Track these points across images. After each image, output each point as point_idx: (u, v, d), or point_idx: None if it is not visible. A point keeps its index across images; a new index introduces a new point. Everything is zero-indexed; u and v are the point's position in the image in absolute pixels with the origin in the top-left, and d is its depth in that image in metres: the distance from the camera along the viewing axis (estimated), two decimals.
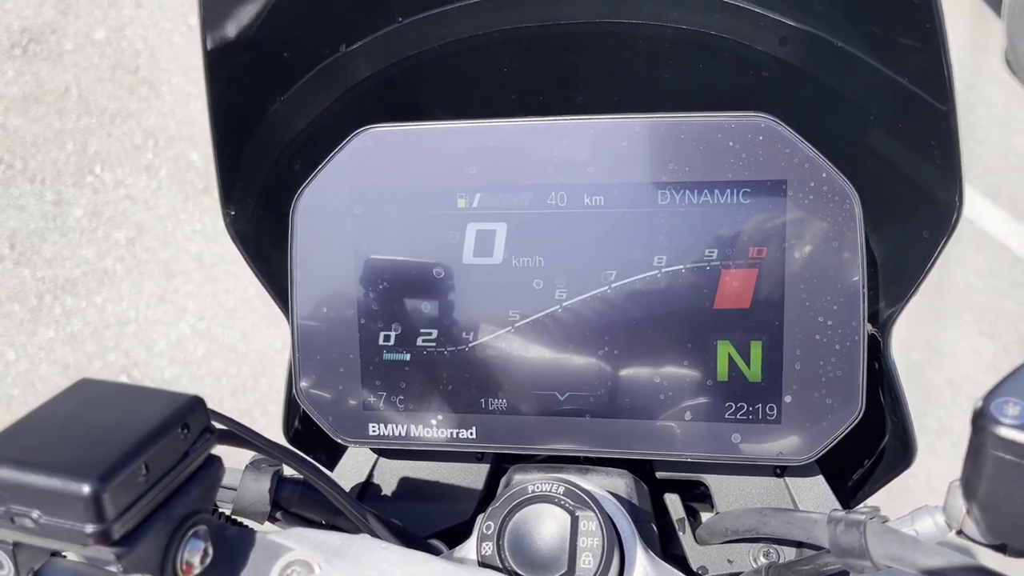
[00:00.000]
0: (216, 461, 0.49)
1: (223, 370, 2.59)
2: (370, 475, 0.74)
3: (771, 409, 0.63)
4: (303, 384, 0.69)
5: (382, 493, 0.74)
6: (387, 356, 0.68)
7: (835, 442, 0.63)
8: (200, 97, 2.93)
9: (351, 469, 0.74)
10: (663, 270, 0.63)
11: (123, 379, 2.53)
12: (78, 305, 2.58)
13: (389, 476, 0.74)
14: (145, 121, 2.90)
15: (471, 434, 0.67)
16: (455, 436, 0.68)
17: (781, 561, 0.65)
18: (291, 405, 0.78)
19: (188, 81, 2.96)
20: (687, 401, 0.64)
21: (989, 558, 0.55)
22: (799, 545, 0.66)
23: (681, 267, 0.63)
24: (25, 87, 2.86)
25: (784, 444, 0.63)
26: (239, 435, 0.53)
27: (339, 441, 0.69)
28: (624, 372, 0.64)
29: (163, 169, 2.80)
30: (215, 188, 2.82)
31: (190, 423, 0.45)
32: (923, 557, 0.54)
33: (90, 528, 0.40)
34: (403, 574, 0.45)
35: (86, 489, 0.39)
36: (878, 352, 0.69)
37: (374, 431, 0.69)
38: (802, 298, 0.61)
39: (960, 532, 0.54)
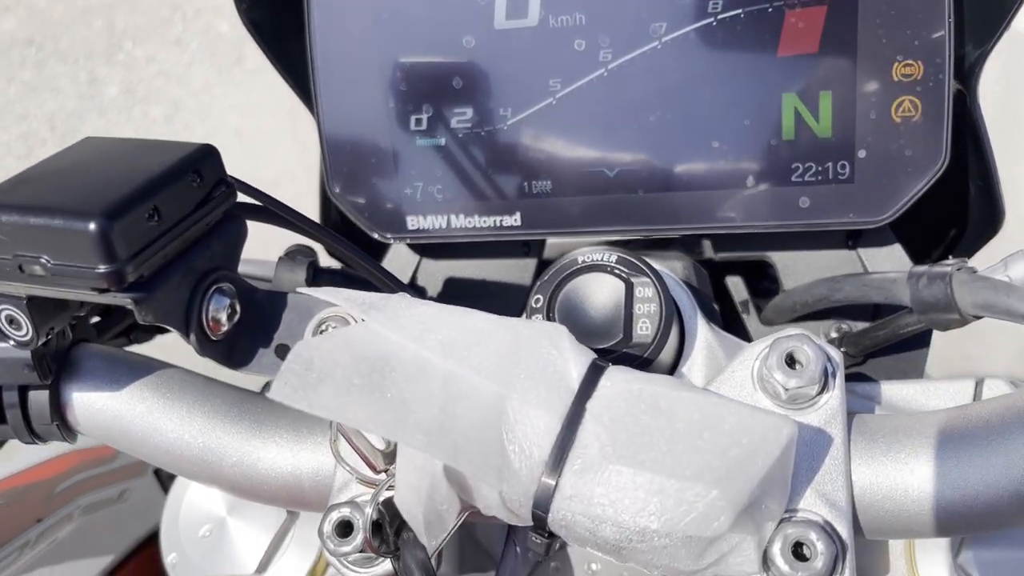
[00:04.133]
0: (238, 220, 0.45)
1: (271, 239, 2.58)
2: (413, 277, 0.70)
3: (843, 167, 0.57)
4: (335, 181, 0.65)
5: (427, 296, 0.70)
6: (420, 142, 0.63)
7: (915, 199, 0.57)
8: None
9: (393, 271, 0.70)
10: (719, 16, 0.56)
11: None
12: None
13: (434, 277, 0.70)
14: None
15: (515, 220, 0.63)
16: (499, 224, 0.63)
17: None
18: (325, 209, 0.75)
19: None
20: (749, 165, 0.58)
21: None
22: (874, 317, 0.61)
23: (739, 11, 0.56)
24: None
25: (858, 205, 0.58)
26: (267, 208, 0.50)
27: (377, 238, 0.66)
28: (679, 139, 0.59)
29: (193, 42, 2.74)
30: (248, 58, 2.74)
31: (202, 171, 0.42)
32: (1019, 302, 0.49)
33: (101, 268, 0.36)
34: (444, 324, 0.42)
35: (92, 226, 0.36)
36: (962, 106, 0.62)
37: (413, 225, 0.65)
38: (878, 35, 0.54)
39: None
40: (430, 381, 0.40)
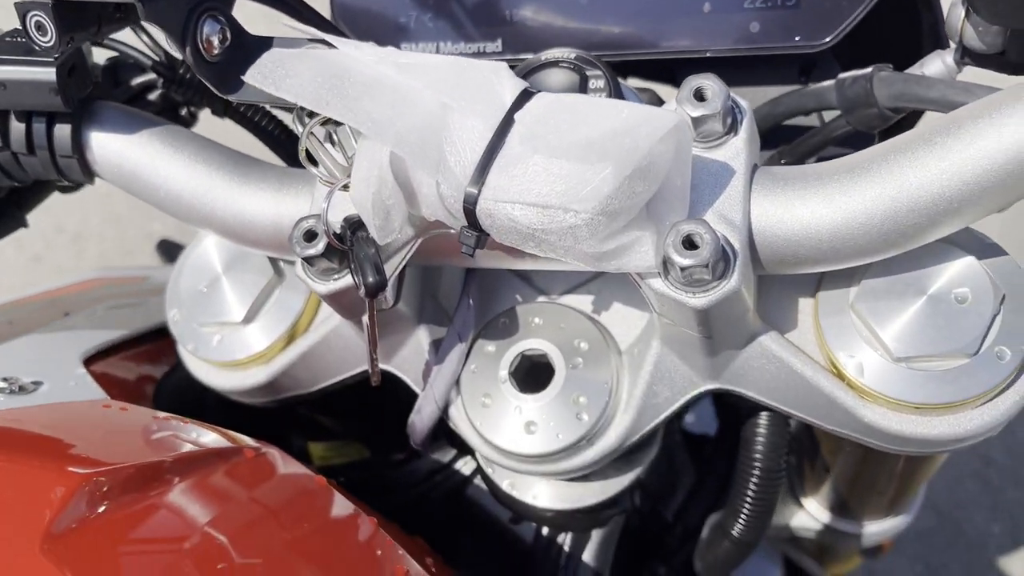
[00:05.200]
0: None
1: None
2: None
3: None
4: (339, 13, 0.72)
5: None
6: None
7: (854, 23, 0.62)
8: None
9: None
10: None
11: None
12: None
13: None
14: None
15: (497, 46, 0.70)
16: (482, 50, 0.70)
17: None
18: None
19: None
20: None
21: None
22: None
23: None
24: None
25: (803, 28, 0.63)
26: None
27: None
28: None
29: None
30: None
31: None
32: (927, 89, 0.54)
33: None
34: (401, 55, 0.49)
35: None
36: None
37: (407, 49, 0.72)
38: None
39: (964, 56, 0.54)
40: (384, 87, 0.47)
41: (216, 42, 0.49)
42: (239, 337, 0.63)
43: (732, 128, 0.50)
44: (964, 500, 2.17)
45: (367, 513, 0.52)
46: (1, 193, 0.62)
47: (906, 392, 0.51)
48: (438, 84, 0.47)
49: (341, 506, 0.52)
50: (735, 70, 0.69)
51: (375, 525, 0.51)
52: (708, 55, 0.66)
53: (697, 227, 0.45)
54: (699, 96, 0.48)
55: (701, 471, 0.84)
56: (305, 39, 0.51)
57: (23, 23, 0.48)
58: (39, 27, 0.48)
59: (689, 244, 0.45)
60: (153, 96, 0.67)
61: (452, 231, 0.51)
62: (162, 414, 0.55)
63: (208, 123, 0.76)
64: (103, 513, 0.42)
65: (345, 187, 0.49)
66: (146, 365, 0.73)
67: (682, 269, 0.45)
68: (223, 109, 0.65)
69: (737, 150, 0.49)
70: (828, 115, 0.66)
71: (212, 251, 0.64)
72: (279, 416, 0.77)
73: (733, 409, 0.79)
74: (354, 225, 0.50)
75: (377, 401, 0.76)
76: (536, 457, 0.56)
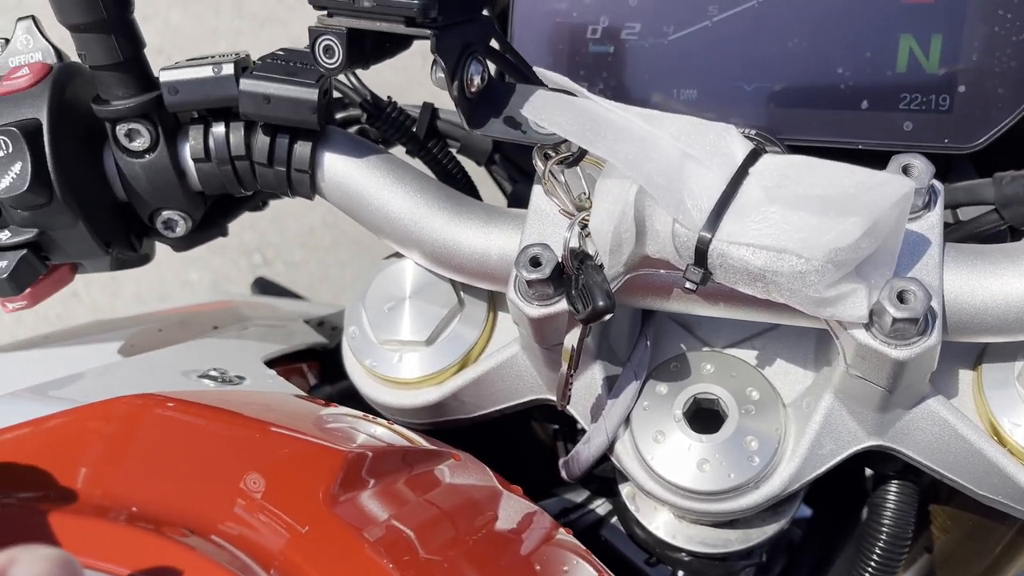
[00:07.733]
0: (488, 22, 0.59)
1: (348, 260, 2.75)
2: None
3: (944, 99, 0.70)
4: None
5: None
6: (592, 49, 0.77)
7: (1003, 131, 0.69)
8: None
9: None
10: None
11: (255, 257, 2.73)
12: None
13: None
14: (292, 29, 3.07)
15: None
16: None
17: None
18: None
19: None
20: (865, 91, 0.71)
21: None
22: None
23: None
24: None
25: (953, 132, 0.70)
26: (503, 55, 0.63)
27: None
28: (810, 64, 0.72)
29: None
30: None
31: None
32: None
33: (415, 5, 0.50)
34: (643, 112, 0.55)
35: None
36: None
37: None
38: None
39: None
40: (633, 133, 0.53)
41: (477, 80, 0.55)
42: (418, 357, 0.67)
43: (928, 204, 0.55)
44: None
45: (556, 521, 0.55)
46: (211, 200, 0.67)
47: None
48: (678, 136, 0.53)
49: (538, 514, 0.55)
50: (878, 165, 0.75)
51: (569, 533, 0.54)
52: (859, 147, 0.72)
53: (910, 284, 0.50)
54: (906, 172, 0.54)
55: (796, 548, 0.87)
56: (557, 88, 0.57)
57: (312, 44, 0.54)
58: (327, 50, 0.53)
59: (901, 299, 0.50)
60: (352, 130, 0.73)
61: (655, 271, 0.56)
62: (359, 412, 0.58)
63: None
64: (367, 485, 0.46)
65: (583, 220, 0.54)
66: (296, 380, 0.76)
67: (893, 321, 0.50)
68: (416, 149, 0.70)
69: (932, 223, 0.55)
70: (963, 215, 0.72)
71: (400, 277, 0.69)
72: None
73: (843, 488, 0.83)
74: (580, 255, 0.55)
75: (516, 444, 0.80)
76: (706, 494, 0.60)
